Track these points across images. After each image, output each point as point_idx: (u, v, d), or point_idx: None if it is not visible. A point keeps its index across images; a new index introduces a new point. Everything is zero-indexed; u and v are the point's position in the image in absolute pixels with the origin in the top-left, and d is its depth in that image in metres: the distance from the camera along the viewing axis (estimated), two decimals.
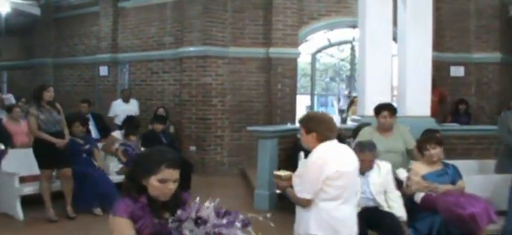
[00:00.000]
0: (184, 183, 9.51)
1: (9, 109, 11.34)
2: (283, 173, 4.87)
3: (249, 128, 10.38)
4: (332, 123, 4.70)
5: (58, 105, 8.83)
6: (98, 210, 8.72)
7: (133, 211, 3.48)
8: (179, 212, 3.37)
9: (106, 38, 15.43)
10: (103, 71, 15.55)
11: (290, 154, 9.37)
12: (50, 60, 17.81)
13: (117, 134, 10.50)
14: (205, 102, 12.89)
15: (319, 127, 4.59)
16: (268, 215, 3.32)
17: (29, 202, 8.76)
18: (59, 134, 8.57)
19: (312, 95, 14.72)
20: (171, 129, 12.54)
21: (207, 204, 3.35)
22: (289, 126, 10.99)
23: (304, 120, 4.76)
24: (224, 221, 3.28)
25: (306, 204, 4.55)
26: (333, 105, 16.43)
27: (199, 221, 3.28)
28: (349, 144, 6.93)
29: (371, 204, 6.27)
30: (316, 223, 4.52)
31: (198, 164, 12.34)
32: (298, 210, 4.79)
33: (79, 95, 15.52)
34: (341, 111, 14.96)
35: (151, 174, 3.50)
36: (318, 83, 16.27)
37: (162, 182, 3.50)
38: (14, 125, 10.64)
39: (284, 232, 8.04)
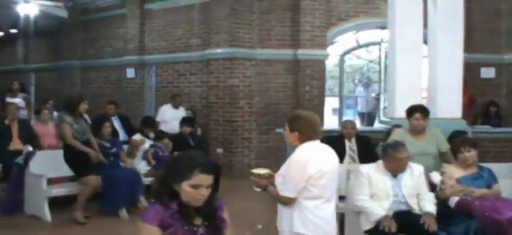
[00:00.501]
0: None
1: (37, 111, 11.33)
2: (262, 171, 4.88)
3: (277, 130, 10.27)
4: (316, 125, 4.70)
5: (86, 115, 9.07)
6: (123, 213, 8.67)
7: (163, 218, 3.38)
8: None
9: (133, 40, 15.43)
10: (130, 73, 15.55)
11: None
12: (77, 62, 17.92)
13: (137, 137, 10.50)
14: (232, 104, 12.80)
15: (302, 127, 4.61)
16: (259, 226, 3.18)
17: (55, 203, 8.75)
18: (87, 142, 8.70)
19: (341, 96, 14.55)
20: (199, 132, 12.49)
21: None
22: None
23: (290, 119, 4.79)
24: None
25: (290, 202, 4.53)
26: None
27: None
28: (381, 148, 6.80)
29: (403, 207, 6.10)
30: (300, 221, 4.51)
31: (225, 167, 12.25)
32: (280, 207, 4.77)
33: (106, 97, 15.47)
34: (361, 114, 14.86)
35: (184, 179, 3.40)
36: (345, 85, 16.11)
37: (195, 188, 3.40)
38: (41, 127, 10.65)
39: None
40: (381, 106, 14.40)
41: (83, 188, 8.50)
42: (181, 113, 12.62)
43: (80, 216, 8.38)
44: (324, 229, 4.57)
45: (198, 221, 3.49)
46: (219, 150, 12.78)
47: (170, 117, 12.56)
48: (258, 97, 13.11)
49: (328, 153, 4.70)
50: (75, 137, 8.53)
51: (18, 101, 13.95)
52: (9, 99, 11.97)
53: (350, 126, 8.99)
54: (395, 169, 6.11)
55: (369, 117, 16.05)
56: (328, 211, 4.61)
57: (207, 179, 3.44)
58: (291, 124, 4.70)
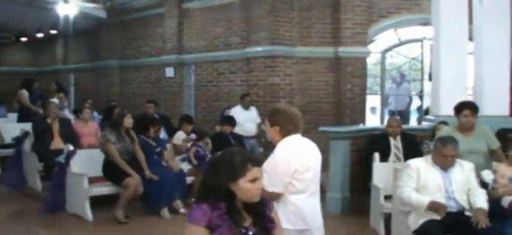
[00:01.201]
0: None
1: (77, 110, 11.35)
2: None
3: (320, 129, 10.08)
4: (296, 118, 4.55)
5: (133, 133, 8.93)
6: (165, 212, 8.60)
7: (211, 219, 3.23)
8: None
9: (171, 39, 15.42)
10: (169, 72, 15.54)
11: (363, 155, 9.07)
12: (115, 62, 18.02)
13: (180, 135, 10.47)
14: (272, 102, 12.60)
15: (283, 121, 4.49)
16: None
17: (97, 203, 8.77)
18: (128, 163, 8.64)
19: (382, 95, 14.31)
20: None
21: None
22: (361, 126, 10.68)
23: (270, 113, 4.68)
24: None
25: (276, 197, 4.35)
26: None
27: None
28: (427, 146, 6.61)
29: (452, 203, 5.87)
30: (285, 216, 4.32)
31: None
32: None
33: (144, 96, 15.49)
34: (391, 113, 14.58)
35: (240, 177, 3.27)
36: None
37: (253, 182, 3.28)
38: (82, 126, 10.64)
39: None
40: (423, 105, 14.18)
41: (124, 189, 8.47)
42: (252, 113, 12.24)
43: (121, 215, 8.35)
44: (310, 223, 4.43)
45: (247, 222, 3.35)
46: (260, 149, 12.65)
47: (242, 120, 11.80)
48: (298, 95, 12.97)
49: (311, 147, 4.58)
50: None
51: (55, 101, 14.02)
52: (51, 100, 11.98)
53: (395, 124, 8.81)
54: (443, 165, 5.93)
55: (400, 116, 15.76)
56: (312, 205, 4.49)
57: (259, 171, 3.34)
58: (271, 119, 4.59)
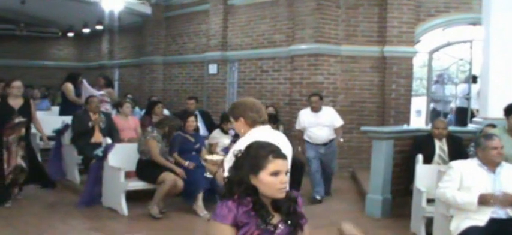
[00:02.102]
0: (295, 183, 9.22)
1: (117, 105, 11.35)
2: (215, 158, 4.80)
3: (363, 128, 9.87)
4: (256, 105, 4.51)
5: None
6: (199, 208, 8.50)
7: (237, 216, 3.08)
8: None
9: (215, 35, 15.32)
10: (212, 69, 15.46)
11: (407, 156, 8.80)
12: (159, 58, 18.06)
13: (215, 133, 10.47)
14: None
15: (244, 112, 4.46)
16: None
17: (133, 197, 8.84)
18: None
19: (429, 96, 13.93)
20: (281, 129, 12.10)
21: None
22: (405, 127, 10.41)
23: (230, 109, 4.74)
24: None
25: None
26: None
27: None
28: (474, 148, 6.33)
29: (499, 210, 5.56)
30: None
31: (307, 166, 11.86)
32: None
33: (187, 93, 15.52)
34: (437, 114, 14.23)
35: (261, 169, 3.12)
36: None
37: (275, 175, 3.12)
38: (122, 121, 10.61)
39: None
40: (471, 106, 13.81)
41: (160, 185, 8.43)
42: (323, 117, 10.41)
43: (156, 210, 8.35)
44: None
45: (275, 219, 3.17)
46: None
47: (308, 123, 10.41)
48: (342, 95, 12.70)
49: (280, 138, 4.38)
50: None
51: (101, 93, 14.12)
52: (96, 93, 12.05)
53: (442, 126, 8.52)
54: (491, 161, 5.64)
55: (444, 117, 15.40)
56: None
57: (283, 164, 3.16)
58: (232, 113, 4.59)
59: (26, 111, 8.83)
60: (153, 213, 8.31)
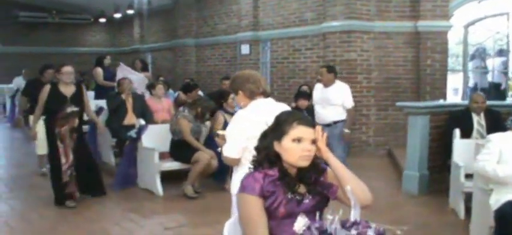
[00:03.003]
0: None
1: (150, 87, 11.37)
2: (225, 132, 4.69)
3: (398, 104, 9.71)
4: (254, 77, 4.54)
5: (207, 116, 9.24)
6: (228, 185, 8.51)
7: (263, 186, 3.04)
8: (301, 232, 2.87)
9: (247, 16, 15.23)
10: (244, 49, 15.38)
11: (443, 132, 8.65)
12: (191, 40, 18.07)
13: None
14: (349, 79, 12.20)
15: (241, 84, 4.48)
16: (405, 228, 2.70)
17: (169, 178, 8.93)
18: None
19: (465, 72, 13.69)
20: None
21: (329, 216, 2.80)
22: (442, 102, 10.24)
23: (229, 83, 4.80)
24: (353, 233, 2.73)
25: (232, 163, 4.42)
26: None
27: None
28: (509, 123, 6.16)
29: None
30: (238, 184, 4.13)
31: None
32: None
33: (220, 74, 15.47)
34: (474, 89, 13.97)
35: (284, 135, 3.08)
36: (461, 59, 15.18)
37: (298, 141, 3.06)
38: (155, 103, 10.64)
39: (437, 217, 7.47)
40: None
41: (194, 165, 8.45)
42: (331, 93, 9.27)
43: (190, 190, 8.40)
44: None
45: (302, 189, 3.13)
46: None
47: (315, 99, 9.53)
48: (376, 72, 12.53)
49: (283, 109, 4.14)
50: None
51: (140, 77, 14.20)
52: (134, 77, 12.15)
53: (481, 100, 8.34)
54: None
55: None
56: None
57: (308, 132, 3.09)
58: (232, 87, 4.65)
59: (78, 99, 7.94)
60: (188, 192, 8.35)
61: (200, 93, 12.56)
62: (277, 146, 3.11)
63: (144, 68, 14.60)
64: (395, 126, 12.22)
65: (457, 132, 7.87)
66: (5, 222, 7.32)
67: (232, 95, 9.42)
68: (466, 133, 8.08)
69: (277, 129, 3.11)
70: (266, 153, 3.13)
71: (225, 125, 8.77)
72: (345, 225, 2.77)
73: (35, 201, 8.34)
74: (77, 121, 7.90)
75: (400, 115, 11.37)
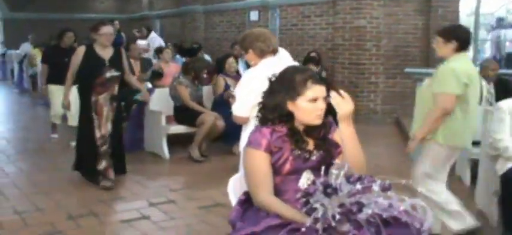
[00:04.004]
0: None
1: (158, 51, 11.38)
2: None
3: (407, 70, 9.66)
4: (264, 35, 4.49)
5: (203, 80, 9.25)
6: (238, 150, 8.47)
7: (270, 142, 3.03)
8: (306, 186, 2.90)
9: None
10: (253, 15, 15.33)
11: None
12: (200, 7, 17.98)
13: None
14: (359, 46, 12.18)
15: (252, 43, 4.45)
16: (410, 181, 2.72)
17: (176, 142, 9.00)
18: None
19: (476, 41, 13.54)
20: (324, 74, 11.96)
21: (334, 171, 2.77)
22: None
23: (239, 41, 4.71)
24: (358, 187, 2.70)
25: (242, 122, 4.42)
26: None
27: (329, 191, 2.72)
28: None
29: None
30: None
31: None
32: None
33: (229, 41, 15.36)
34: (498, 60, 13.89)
35: (299, 95, 3.01)
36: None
37: (313, 101, 3.01)
38: (163, 67, 10.66)
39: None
40: None
41: (200, 127, 8.46)
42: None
43: (197, 153, 8.40)
44: None
45: (310, 146, 3.10)
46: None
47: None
48: (386, 39, 12.43)
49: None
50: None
51: (145, 43, 14.30)
52: (138, 42, 12.18)
53: (493, 67, 8.26)
54: None
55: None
56: None
57: (321, 90, 3.04)
58: (242, 45, 4.61)
59: (117, 62, 7.03)
60: (194, 156, 8.37)
61: (207, 57, 12.59)
62: (291, 106, 3.06)
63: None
64: (403, 95, 12.14)
65: None
66: (12, 182, 7.36)
67: (230, 59, 9.46)
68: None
69: (291, 88, 3.04)
70: (279, 112, 3.08)
71: (227, 88, 8.83)
72: (349, 179, 2.76)
73: (43, 163, 8.40)
74: (116, 88, 6.97)
75: (409, 83, 11.29)
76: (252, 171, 3.07)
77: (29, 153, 9.22)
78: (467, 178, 7.23)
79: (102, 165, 6.92)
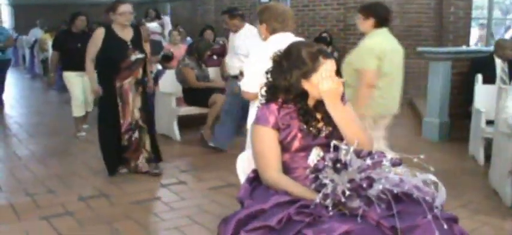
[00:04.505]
0: None
1: (169, 33, 11.40)
2: None
3: (419, 49, 9.54)
4: (284, 15, 4.41)
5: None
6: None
7: (278, 118, 2.97)
8: (315, 161, 2.82)
9: None
10: None
11: (465, 79, 8.49)
12: None
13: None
14: None
15: (268, 18, 4.39)
16: (422, 157, 2.61)
17: (186, 124, 9.03)
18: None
19: (489, 20, 13.39)
20: (335, 56, 11.87)
21: (343, 146, 2.72)
22: (464, 48, 10.06)
23: (259, 11, 4.58)
24: (368, 162, 2.64)
25: (251, 97, 4.32)
26: None
27: (338, 166, 2.66)
28: None
29: None
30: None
31: None
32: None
33: None
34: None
35: (313, 72, 2.94)
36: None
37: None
38: (173, 49, 10.62)
39: (456, 163, 7.38)
40: None
41: (212, 108, 8.39)
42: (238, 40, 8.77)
43: (208, 135, 8.28)
44: None
45: (320, 123, 3.04)
46: None
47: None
48: (398, 19, 12.26)
49: None
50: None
51: (154, 25, 14.29)
52: (147, 24, 12.17)
53: (508, 46, 8.14)
54: None
55: None
56: None
57: (332, 64, 2.99)
58: (259, 16, 4.49)
59: (139, 43, 6.55)
60: (206, 137, 8.29)
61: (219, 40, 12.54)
62: (305, 84, 2.98)
63: (157, 16, 15.32)
64: (416, 76, 12.01)
65: (479, 77, 7.73)
66: (25, 165, 7.40)
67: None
68: (489, 81, 7.91)
69: (303, 66, 2.96)
70: (294, 92, 3.00)
71: None
72: (359, 154, 2.71)
73: (55, 147, 8.43)
74: (141, 71, 6.57)
75: (422, 63, 11.17)
76: (259, 148, 3.02)
77: (41, 137, 9.23)
78: (481, 158, 7.17)
79: (127, 153, 6.60)
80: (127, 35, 6.41)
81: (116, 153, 6.61)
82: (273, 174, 2.96)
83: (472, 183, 6.49)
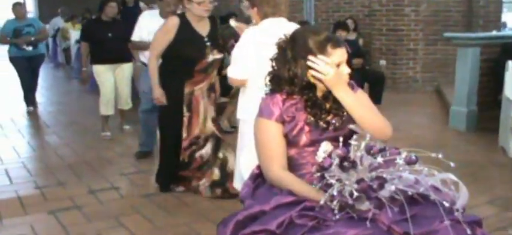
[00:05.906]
0: (376, 97, 8.88)
1: None
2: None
3: (446, 34, 9.21)
4: (276, 2, 4.13)
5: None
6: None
7: (283, 111, 2.73)
8: (322, 159, 2.54)
9: None
10: None
11: (495, 66, 8.15)
12: None
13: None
14: (397, 11, 11.75)
15: (260, 3, 4.13)
16: (440, 155, 2.33)
17: None
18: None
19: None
20: (361, 42, 11.55)
21: (354, 142, 2.46)
22: (494, 33, 9.71)
23: None
24: (380, 160, 2.37)
25: (239, 84, 4.17)
26: None
27: (346, 164, 2.40)
28: None
29: None
30: (244, 105, 4.18)
31: (388, 80, 11.23)
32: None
33: None
34: None
35: None
36: None
37: (336, 67, 2.69)
38: None
39: (484, 155, 7.07)
40: None
41: (233, 98, 8.10)
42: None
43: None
44: None
45: (328, 117, 2.77)
46: (382, 62, 11.88)
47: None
48: (425, 3, 11.92)
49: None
50: None
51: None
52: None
53: None
54: None
55: None
56: None
57: (343, 54, 2.72)
58: (251, 0, 4.24)
59: (216, 41, 5.37)
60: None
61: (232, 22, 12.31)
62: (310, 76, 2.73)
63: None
64: (444, 62, 11.70)
65: (510, 64, 7.37)
66: (38, 156, 7.40)
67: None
68: None
69: (310, 55, 2.69)
70: (299, 84, 2.74)
71: None
72: (370, 150, 2.43)
73: (72, 138, 8.38)
74: (215, 74, 5.55)
75: (450, 50, 10.83)
76: (263, 143, 2.78)
77: (60, 127, 9.18)
78: (510, 150, 6.83)
79: (186, 172, 5.54)
80: (203, 28, 5.25)
81: (173, 170, 5.54)
82: (277, 170, 2.72)
83: (501, 176, 6.16)
